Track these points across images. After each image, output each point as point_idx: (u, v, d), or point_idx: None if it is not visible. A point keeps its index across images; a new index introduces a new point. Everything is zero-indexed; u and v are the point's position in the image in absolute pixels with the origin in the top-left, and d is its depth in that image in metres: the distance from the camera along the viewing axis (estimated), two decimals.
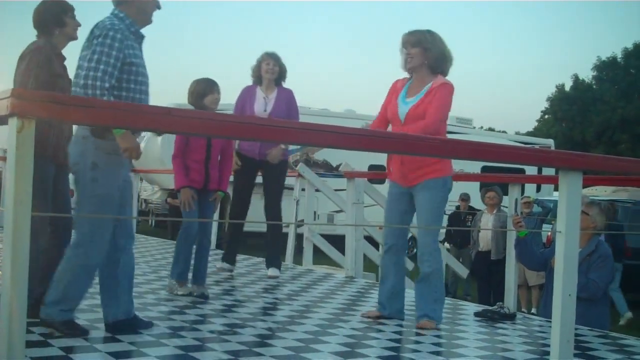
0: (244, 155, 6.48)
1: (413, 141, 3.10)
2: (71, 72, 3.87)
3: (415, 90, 4.57)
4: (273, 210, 6.59)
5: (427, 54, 4.53)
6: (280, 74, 6.47)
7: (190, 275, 5.26)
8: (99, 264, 3.70)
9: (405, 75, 4.70)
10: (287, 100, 6.46)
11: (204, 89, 5.16)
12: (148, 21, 3.85)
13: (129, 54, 3.63)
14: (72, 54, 3.95)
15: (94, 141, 3.54)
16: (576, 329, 3.66)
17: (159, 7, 3.89)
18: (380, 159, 15.72)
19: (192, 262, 5.29)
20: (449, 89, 4.51)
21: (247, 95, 6.50)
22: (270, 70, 6.37)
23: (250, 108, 6.41)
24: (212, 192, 5.33)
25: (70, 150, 3.67)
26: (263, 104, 6.37)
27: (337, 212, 14.15)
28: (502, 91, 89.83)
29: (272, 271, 6.56)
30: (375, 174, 10.24)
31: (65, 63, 4.27)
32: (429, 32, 4.58)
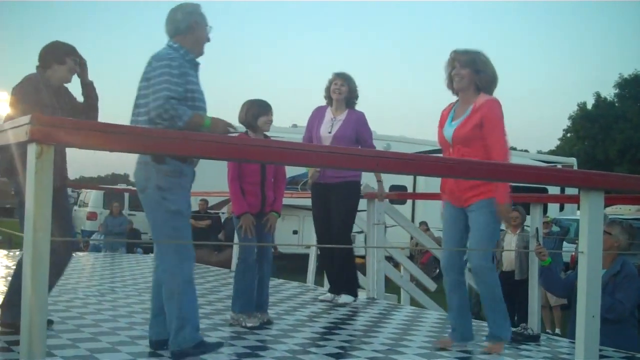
0: (314, 182, 6.36)
1: (422, 162, 3.09)
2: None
3: (461, 111, 4.49)
4: (341, 235, 6.31)
5: (477, 76, 4.44)
6: (350, 94, 6.34)
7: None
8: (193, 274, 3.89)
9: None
10: (356, 122, 6.28)
11: (258, 111, 5.08)
12: (201, 53, 4.09)
13: (188, 81, 3.87)
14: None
15: (155, 166, 3.75)
16: (601, 350, 3.60)
17: (208, 40, 4.15)
18: (401, 179, 15.77)
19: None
20: (495, 104, 4.40)
21: (316, 116, 6.40)
22: (337, 90, 6.26)
23: (317, 129, 6.33)
24: (266, 214, 5.17)
25: (136, 176, 3.89)
26: (329, 126, 6.26)
27: (359, 233, 14.11)
28: (524, 109, 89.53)
29: (344, 298, 6.34)
30: (397, 195, 10.20)
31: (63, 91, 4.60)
32: (481, 53, 4.49)
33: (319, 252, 7.25)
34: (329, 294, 6.48)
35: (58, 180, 4.26)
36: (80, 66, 4.59)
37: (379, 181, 6.77)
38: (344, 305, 6.20)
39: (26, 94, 4.32)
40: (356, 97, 6.41)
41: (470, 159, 4.15)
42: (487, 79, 4.48)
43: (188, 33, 4.01)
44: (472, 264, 4.49)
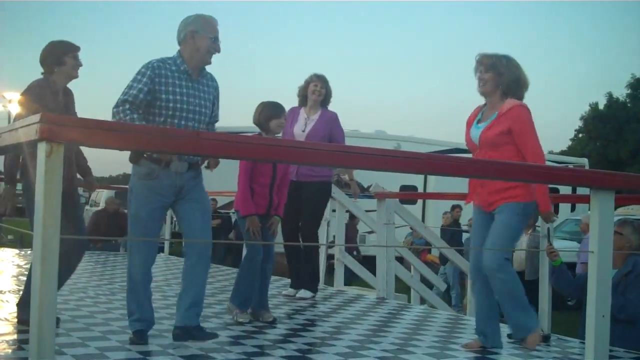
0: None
1: (430, 161, 3.08)
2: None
3: (488, 115, 4.47)
4: (307, 232, 6.48)
5: (500, 79, 4.40)
6: (326, 96, 6.47)
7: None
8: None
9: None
10: (329, 122, 6.41)
11: (271, 114, 5.10)
12: (203, 62, 4.27)
13: (164, 90, 4.10)
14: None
15: (132, 167, 4.01)
16: (611, 350, 3.58)
17: (216, 51, 4.27)
18: (411, 179, 15.75)
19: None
20: (522, 110, 4.36)
21: (290, 117, 6.43)
22: (317, 92, 6.38)
23: (291, 128, 6.40)
24: (271, 217, 5.23)
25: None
26: (302, 125, 6.36)
27: (369, 232, 14.11)
28: (535, 110, 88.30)
29: (302, 292, 6.51)
30: (406, 195, 10.19)
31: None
32: (504, 57, 4.45)
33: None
34: (291, 289, 6.59)
35: (65, 182, 4.38)
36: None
37: (352, 180, 7.01)
38: (302, 299, 6.37)
39: (28, 101, 4.41)
40: (330, 99, 6.54)
41: (479, 159, 4.13)
42: (510, 83, 4.42)
43: (186, 43, 4.22)
44: (483, 262, 4.38)
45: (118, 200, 13.03)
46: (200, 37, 4.19)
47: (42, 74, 4.57)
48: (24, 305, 4.35)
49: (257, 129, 5.25)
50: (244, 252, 5.42)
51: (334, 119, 6.47)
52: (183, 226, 4.22)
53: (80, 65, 4.61)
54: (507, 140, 4.34)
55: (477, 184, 4.48)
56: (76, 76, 4.63)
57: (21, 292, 4.54)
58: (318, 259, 6.85)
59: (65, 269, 4.42)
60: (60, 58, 4.52)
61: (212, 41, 4.22)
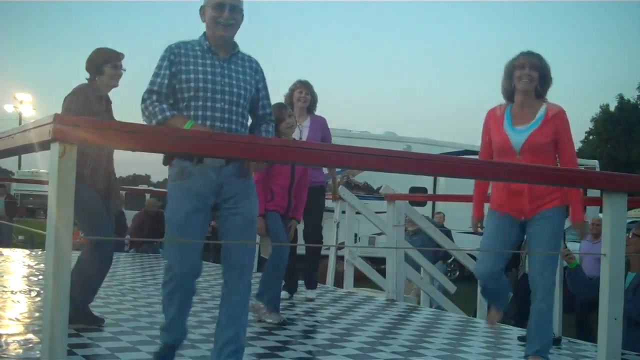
0: None
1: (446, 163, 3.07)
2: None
3: (524, 117, 4.22)
4: (314, 234, 6.55)
5: (542, 80, 4.22)
6: (312, 102, 6.51)
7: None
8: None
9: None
10: (321, 127, 6.49)
11: (277, 116, 4.89)
12: (217, 36, 3.57)
13: (184, 70, 3.50)
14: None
15: (168, 169, 3.53)
16: (624, 354, 3.56)
17: (227, 22, 3.58)
18: (421, 181, 15.71)
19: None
20: (566, 115, 4.22)
21: None
22: (302, 98, 6.41)
23: None
24: (289, 220, 5.24)
25: None
26: (297, 133, 6.36)
27: (378, 234, 14.07)
28: None
29: (310, 293, 6.55)
30: (417, 197, 10.17)
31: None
32: (545, 58, 4.29)
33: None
34: (286, 292, 6.52)
35: (99, 183, 4.54)
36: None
37: (334, 181, 7.18)
38: (311, 300, 6.44)
39: (76, 102, 4.46)
40: (316, 104, 6.56)
41: (491, 161, 4.10)
42: (549, 85, 4.28)
43: (203, 20, 3.64)
44: (536, 275, 4.15)
45: (159, 202, 13.10)
46: (206, 10, 3.61)
47: (87, 79, 4.65)
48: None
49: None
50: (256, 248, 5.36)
51: (324, 124, 6.57)
52: (222, 243, 3.58)
53: (120, 74, 4.65)
54: (552, 146, 4.18)
55: (510, 192, 4.21)
56: (115, 85, 4.69)
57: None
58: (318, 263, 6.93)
59: (100, 270, 4.64)
60: (100, 68, 4.58)
61: (217, 10, 3.54)
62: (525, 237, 4.32)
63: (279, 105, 5.14)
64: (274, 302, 5.09)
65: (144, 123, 3.38)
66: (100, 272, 4.69)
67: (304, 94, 6.42)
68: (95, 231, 4.49)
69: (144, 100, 3.48)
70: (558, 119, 4.16)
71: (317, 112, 6.61)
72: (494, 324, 4.65)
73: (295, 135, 6.34)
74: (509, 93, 4.29)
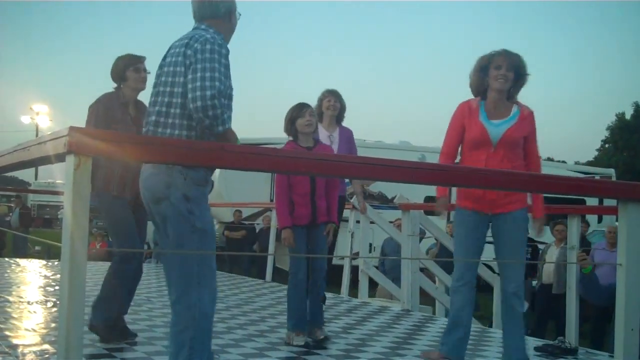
0: None
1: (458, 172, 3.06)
2: None
3: (498, 113, 4.28)
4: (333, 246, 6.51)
5: (517, 81, 4.29)
6: (341, 110, 6.48)
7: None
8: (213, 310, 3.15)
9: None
10: (349, 140, 6.42)
11: (295, 114, 4.99)
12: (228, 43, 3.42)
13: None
14: None
15: (181, 170, 3.07)
16: None
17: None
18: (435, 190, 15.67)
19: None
20: (533, 115, 4.35)
21: None
22: (332, 107, 6.35)
23: None
24: (322, 225, 5.03)
25: (151, 184, 3.16)
26: (328, 143, 6.31)
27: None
28: (561, 120, 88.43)
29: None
30: (431, 206, 10.12)
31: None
32: (523, 58, 4.34)
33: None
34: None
35: (127, 192, 4.48)
36: None
37: (359, 193, 7.02)
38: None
39: (97, 113, 4.49)
40: (344, 113, 6.50)
41: (508, 170, 4.07)
42: (523, 85, 4.37)
43: (226, 19, 3.43)
44: (512, 278, 4.22)
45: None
46: (235, 16, 3.51)
47: (114, 88, 4.69)
48: (95, 309, 4.43)
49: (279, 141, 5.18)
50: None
51: (351, 136, 6.51)
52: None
53: (144, 76, 4.64)
54: (522, 144, 4.30)
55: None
56: (142, 88, 4.67)
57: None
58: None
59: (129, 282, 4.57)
60: (122, 74, 4.61)
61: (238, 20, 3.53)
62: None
63: (295, 105, 5.08)
64: (301, 323, 4.88)
65: (208, 122, 3.09)
66: (132, 283, 4.60)
67: (332, 102, 6.35)
68: (125, 241, 4.47)
69: (215, 99, 3.08)
70: (531, 119, 4.31)
71: None
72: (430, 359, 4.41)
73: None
74: (479, 88, 4.35)
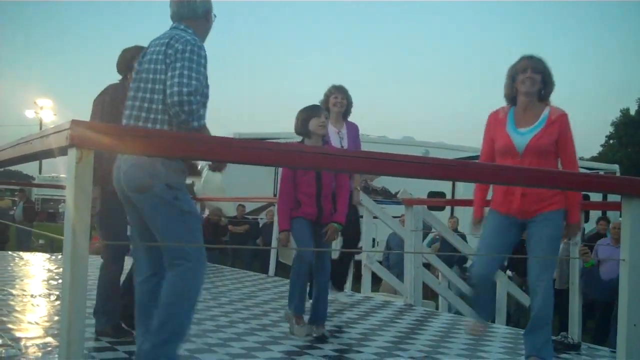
0: None
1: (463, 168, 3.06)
2: None
3: (527, 119, 4.27)
4: (356, 243, 6.68)
5: (545, 84, 4.28)
6: (347, 107, 6.47)
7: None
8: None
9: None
10: (353, 136, 6.45)
11: (309, 114, 4.96)
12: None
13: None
14: None
15: (164, 162, 3.22)
16: None
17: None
18: (440, 185, 15.67)
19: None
20: (568, 118, 4.27)
21: None
22: (339, 103, 6.36)
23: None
24: (322, 226, 4.99)
25: (133, 175, 3.26)
26: (338, 140, 6.31)
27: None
28: None
29: (342, 297, 6.75)
30: (435, 201, 10.13)
31: None
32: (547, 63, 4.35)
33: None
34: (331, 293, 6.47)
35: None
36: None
37: (356, 189, 6.88)
38: (346, 302, 6.58)
39: (102, 105, 4.48)
40: (351, 109, 6.53)
41: (511, 166, 4.06)
42: (551, 89, 4.34)
43: (204, 20, 3.56)
44: (536, 276, 4.20)
45: (220, 211, 13.29)
46: (211, 17, 3.66)
47: (120, 80, 4.67)
48: (97, 315, 4.42)
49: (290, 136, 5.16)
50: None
51: (357, 131, 6.55)
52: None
53: None
54: (555, 149, 4.22)
55: (513, 192, 4.24)
56: None
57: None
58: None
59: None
60: (129, 63, 4.54)
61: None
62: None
63: (309, 106, 5.07)
64: (300, 307, 4.96)
65: (184, 117, 3.20)
66: (127, 282, 4.52)
67: (339, 99, 6.36)
68: (113, 236, 4.44)
69: (192, 95, 3.20)
70: (561, 122, 4.23)
71: None
72: (478, 334, 4.55)
73: (335, 142, 6.25)
74: (512, 96, 4.37)
